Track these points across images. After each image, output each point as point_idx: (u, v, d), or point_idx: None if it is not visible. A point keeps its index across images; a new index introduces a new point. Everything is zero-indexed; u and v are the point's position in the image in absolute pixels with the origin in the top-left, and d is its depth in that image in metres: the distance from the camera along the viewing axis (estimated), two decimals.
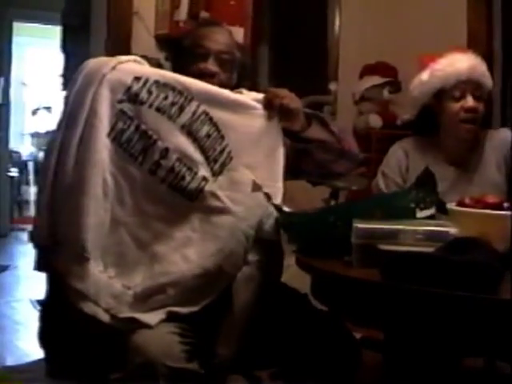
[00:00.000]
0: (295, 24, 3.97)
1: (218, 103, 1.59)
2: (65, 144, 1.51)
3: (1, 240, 6.16)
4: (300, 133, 1.70)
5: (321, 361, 1.57)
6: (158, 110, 1.54)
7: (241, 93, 1.68)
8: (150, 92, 1.54)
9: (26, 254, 4.97)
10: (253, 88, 1.73)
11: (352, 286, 1.34)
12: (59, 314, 1.53)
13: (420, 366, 1.74)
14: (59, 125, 1.55)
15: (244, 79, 1.82)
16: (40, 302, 1.67)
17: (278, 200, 1.59)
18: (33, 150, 8.22)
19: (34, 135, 8.35)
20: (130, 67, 1.58)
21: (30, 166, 7.82)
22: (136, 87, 1.54)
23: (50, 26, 6.24)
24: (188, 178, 1.55)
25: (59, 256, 1.49)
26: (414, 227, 1.38)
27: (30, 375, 2.61)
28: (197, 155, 1.56)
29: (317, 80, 3.71)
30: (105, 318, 1.45)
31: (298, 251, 1.54)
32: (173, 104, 1.55)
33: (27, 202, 7.40)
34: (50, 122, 6.99)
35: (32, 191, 7.14)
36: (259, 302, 1.57)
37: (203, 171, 1.56)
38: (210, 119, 1.57)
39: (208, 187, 1.56)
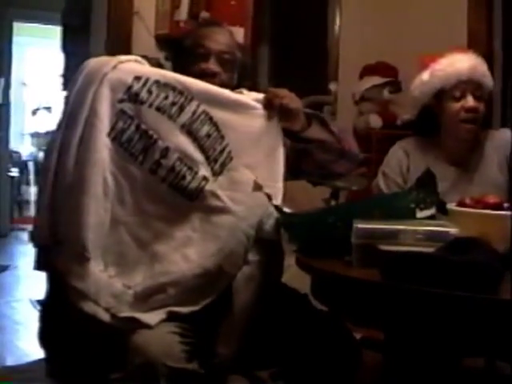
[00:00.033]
0: (295, 24, 3.97)
1: (218, 103, 1.59)
2: (65, 144, 1.51)
3: (1, 240, 6.16)
4: (300, 133, 1.70)
5: (321, 361, 1.57)
6: (159, 109, 1.54)
7: (241, 93, 1.68)
8: (150, 92, 1.54)
9: (26, 253, 4.97)
10: (253, 88, 1.73)
11: (352, 286, 1.34)
12: (59, 313, 1.53)
13: (420, 366, 1.74)
14: (59, 125, 1.55)
15: (244, 79, 1.82)
16: (40, 302, 1.67)
17: (278, 200, 1.59)
18: (33, 150, 8.22)
19: (34, 135, 8.35)
20: (131, 67, 1.58)
21: (30, 166, 7.82)
22: (136, 87, 1.54)
23: (50, 26, 6.23)
24: (188, 178, 1.55)
25: (59, 255, 1.49)
26: (414, 227, 1.38)
27: (30, 375, 2.62)
28: (197, 155, 1.56)
29: (317, 80, 3.71)
30: (105, 317, 1.45)
31: (298, 251, 1.54)
32: (173, 104, 1.55)
33: (27, 202, 7.40)
34: (50, 122, 6.99)
35: (32, 191, 7.14)
36: (259, 301, 1.57)
37: (203, 171, 1.56)
38: (210, 119, 1.58)
39: (208, 187, 1.56)
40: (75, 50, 4.12)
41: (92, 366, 1.49)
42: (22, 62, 8.06)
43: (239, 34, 3.01)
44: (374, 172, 2.20)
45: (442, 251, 1.29)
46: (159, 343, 1.41)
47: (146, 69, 1.60)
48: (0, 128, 6.22)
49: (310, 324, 1.62)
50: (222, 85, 1.68)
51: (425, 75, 2.01)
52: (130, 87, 1.54)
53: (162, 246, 1.53)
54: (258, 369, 1.74)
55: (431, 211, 1.52)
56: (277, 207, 1.56)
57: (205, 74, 1.70)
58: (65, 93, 1.61)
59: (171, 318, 1.48)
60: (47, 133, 6.94)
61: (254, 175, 1.59)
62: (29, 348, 2.99)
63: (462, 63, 1.97)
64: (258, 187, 1.58)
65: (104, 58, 1.61)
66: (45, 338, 1.59)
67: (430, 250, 1.30)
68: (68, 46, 4.32)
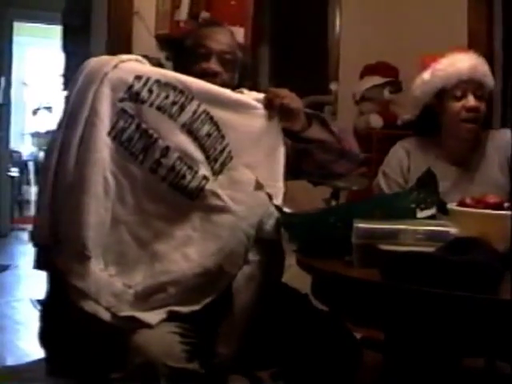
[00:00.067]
0: (296, 24, 3.97)
1: (218, 103, 1.59)
2: (65, 143, 1.51)
3: (1, 240, 6.16)
4: (300, 133, 1.71)
5: (321, 361, 1.57)
6: (159, 108, 1.55)
7: (241, 92, 1.68)
8: (150, 91, 1.54)
9: (26, 253, 4.97)
10: (253, 88, 1.73)
11: (352, 286, 1.34)
12: (60, 313, 1.53)
13: (420, 366, 1.74)
14: (60, 124, 1.55)
15: (245, 79, 1.82)
16: (40, 302, 1.67)
17: (278, 200, 1.59)
18: (33, 149, 8.22)
19: (35, 135, 8.35)
20: (132, 66, 1.58)
21: (31, 165, 7.82)
22: (137, 86, 1.54)
23: (50, 26, 6.23)
24: (189, 177, 1.55)
25: (60, 255, 1.49)
26: (414, 227, 1.38)
27: (30, 375, 2.62)
28: (197, 154, 1.56)
29: (317, 80, 3.71)
30: (105, 316, 1.45)
31: (298, 251, 1.54)
32: (173, 103, 1.55)
33: (28, 202, 7.40)
34: (50, 121, 6.99)
35: (33, 191, 7.14)
36: (260, 301, 1.57)
37: (204, 170, 1.56)
38: (211, 118, 1.58)
39: (208, 186, 1.56)
40: (76, 50, 4.12)
41: (92, 366, 1.50)
42: (22, 62, 8.07)
43: (239, 33, 3.01)
44: (375, 172, 2.20)
45: (442, 251, 1.29)
46: (159, 343, 1.41)
47: (146, 68, 1.61)
48: (0, 128, 6.21)
49: (310, 324, 1.62)
50: (223, 84, 1.68)
51: (426, 75, 2.01)
52: (130, 86, 1.54)
53: (163, 246, 1.53)
54: (259, 369, 1.74)
55: (432, 211, 1.52)
56: (277, 207, 1.56)
57: (206, 73, 1.71)
58: (65, 92, 1.61)
59: (171, 317, 1.48)
60: (48, 132, 6.94)
61: (255, 175, 1.59)
62: (29, 348, 2.99)
63: (462, 63, 1.97)
64: (259, 186, 1.58)
65: (105, 58, 1.61)
66: (45, 337, 1.59)
67: (431, 249, 1.30)
68: (68, 45, 4.32)
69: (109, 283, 1.48)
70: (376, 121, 3.25)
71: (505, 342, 1.18)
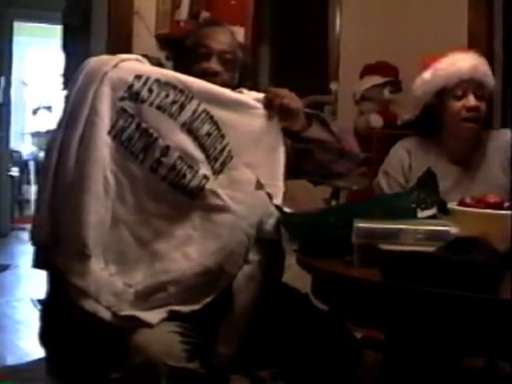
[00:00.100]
0: (296, 24, 3.97)
1: (218, 102, 1.59)
2: (65, 143, 1.51)
3: (1, 239, 6.16)
4: (300, 133, 1.70)
5: (322, 360, 1.57)
6: (159, 108, 1.55)
7: (241, 92, 1.68)
8: (150, 90, 1.54)
9: (26, 253, 4.92)
10: (253, 87, 1.73)
11: (353, 286, 1.34)
12: (60, 313, 1.53)
13: (420, 366, 1.74)
14: (60, 124, 1.55)
15: (245, 79, 1.82)
16: (41, 302, 1.67)
17: (278, 199, 1.59)
18: (33, 149, 8.21)
19: (35, 135, 8.34)
20: (132, 65, 1.58)
21: (31, 165, 7.82)
22: (137, 85, 1.54)
23: (50, 26, 6.23)
24: (189, 176, 1.55)
25: (60, 254, 1.49)
26: (414, 227, 1.38)
27: (30, 374, 2.62)
28: (197, 153, 1.56)
29: (317, 80, 3.71)
30: (106, 315, 1.45)
31: (298, 251, 1.54)
32: (173, 102, 1.55)
33: (28, 202, 7.39)
34: (50, 121, 6.99)
35: (33, 191, 7.13)
36: (260, 301, 1.57)
37: (204, 169, 1.56)
38: (211, 118, 1.58)
39: (209, 185, 1.56)
40: (75, 50, 4.12)
41: (92, 365, 1.49)
42: (22, 62, 8.06)
43: (239, 33, 3.01)
44: (375, 172, 2.20)
45: (442, 251, 1.29)
46: (160, 342, 1.41)
47: (146, 68, 1.61)
48: (0, 127, 6.22)
49: (310, 324, 1.62)
50: (224, 84, 1.68)
51: (427, 74, 2.02)
52: (130, 86, 1.54)
53: (163, 245, 1.53)
54: (259, 368, 1.74)
55: (432, 211, 1.52)
56: (277, 207, 1.56)
57: (206, 73, 1.71)
58: (65, 92, 1.61)
59: (172, 317, 1.48)
60: (48, 132, 6.93)
61: (255, 174, 1.59)
62: (29, 347, 3.00)
63: (463, 62, 1.98)
64: (259, 186, 1.58)
65: (104, 57, 1.61)
66: (45, 337, 1.59)
67: (431, 249, 1.30)
68: (68, 45, 4.32)
69: (109, 282, 1.48)
70: (376, 120, 3.25)
71: (505, 342, 1.18)
